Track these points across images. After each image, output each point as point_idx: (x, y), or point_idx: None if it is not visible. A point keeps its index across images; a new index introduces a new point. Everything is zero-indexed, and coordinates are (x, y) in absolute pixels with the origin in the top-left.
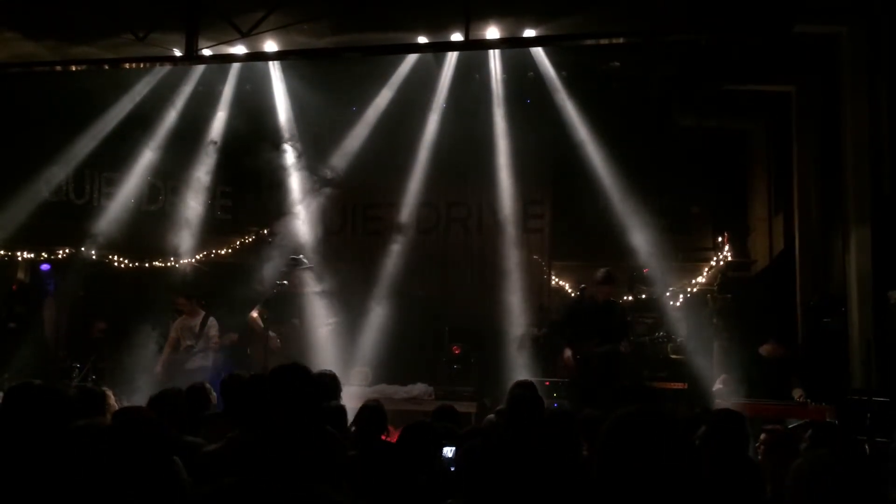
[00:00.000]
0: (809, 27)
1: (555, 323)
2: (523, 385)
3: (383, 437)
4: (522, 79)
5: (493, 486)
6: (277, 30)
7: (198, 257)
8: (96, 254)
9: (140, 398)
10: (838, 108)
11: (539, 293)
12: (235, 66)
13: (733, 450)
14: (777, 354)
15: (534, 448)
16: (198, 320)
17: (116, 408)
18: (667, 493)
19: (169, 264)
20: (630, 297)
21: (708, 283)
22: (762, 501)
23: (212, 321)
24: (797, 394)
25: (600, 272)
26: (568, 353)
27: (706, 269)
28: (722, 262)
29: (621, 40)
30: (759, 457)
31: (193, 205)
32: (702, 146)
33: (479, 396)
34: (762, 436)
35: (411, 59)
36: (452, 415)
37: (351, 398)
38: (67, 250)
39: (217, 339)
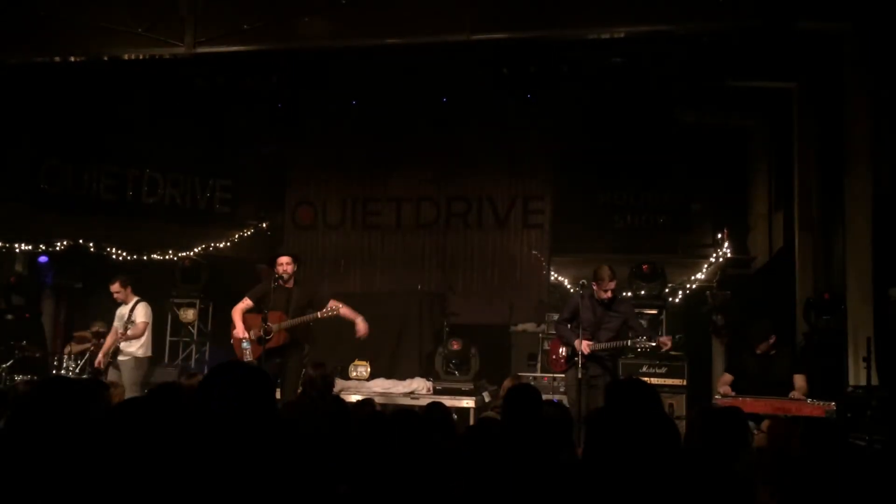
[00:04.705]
0: (812, 23)
1: (560, 319)
2: (520, 390)
3: None
4: (523, 74)
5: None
6: (279, 24)
7: (196, 250)
8: (94, 246)
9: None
10: (840, 106)
11: (538, 289)
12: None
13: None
14: (767, 349)
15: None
16: (128, 307)
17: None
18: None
19: (167, 257)
20: (629, 294)
21: (707, 280)
22: None
23: (140, 307)
24: (798, 386)
25: (606, 269)
26: (563, 349)
27: (706, 266)
28: (722, 259)
29: (622, 34)
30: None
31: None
32: (703, 142)
33: (478, 392)
34: (764, 422)
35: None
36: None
37: (349, 392)
38: (65, 242)
39: (143, 326)
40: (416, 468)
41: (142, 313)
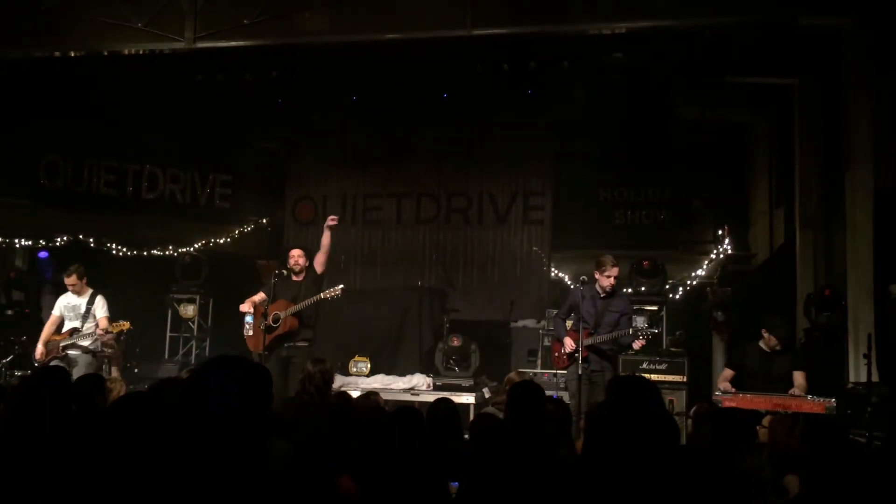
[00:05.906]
0: (813, 19)
1: (558, 314)
2: (525, 387)
3: None
4: (523, 69)
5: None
6: (279, 19)
7: (196, 246)
8: (94, 241)
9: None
10: (841, 101)
11: (539, 285)
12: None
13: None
14: (773, 345)
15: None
16: (84, 299)
17: (116, 392)
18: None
19: (167, 253)
20: (629, 290)
21: (708, 276)
22: None
23: (100, 300)
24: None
25: (608, 256)
26: (564, 347)
27: (706, 262)
28: (722, 255)
29: (623, 29)
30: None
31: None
32: (703, 139)
33: (478, 388)
34: (766, 417)
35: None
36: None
37: (349, 388)
38: (65, 238)
39: (105, 322)
40: (416, 465)
41: (103, 307)
